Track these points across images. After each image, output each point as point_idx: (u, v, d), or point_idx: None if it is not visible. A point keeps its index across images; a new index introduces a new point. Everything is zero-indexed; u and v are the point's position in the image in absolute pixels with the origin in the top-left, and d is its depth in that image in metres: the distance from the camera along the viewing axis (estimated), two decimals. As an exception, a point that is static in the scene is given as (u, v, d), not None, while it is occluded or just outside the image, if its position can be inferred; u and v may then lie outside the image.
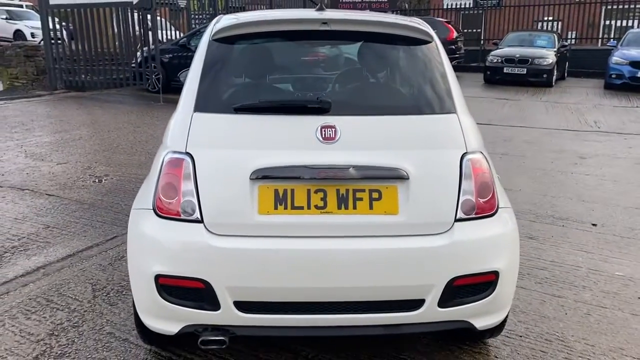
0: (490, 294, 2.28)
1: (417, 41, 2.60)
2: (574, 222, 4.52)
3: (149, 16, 11.04)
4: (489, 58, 15.18)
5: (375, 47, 2.64)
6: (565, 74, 16.41)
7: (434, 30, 2.71)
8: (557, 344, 2.77)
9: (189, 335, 2.30)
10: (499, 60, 14.84)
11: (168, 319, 2.25)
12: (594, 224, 4.48)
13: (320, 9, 2.65)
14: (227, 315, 2.18)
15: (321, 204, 2.19)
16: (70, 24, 12.03)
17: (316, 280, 2.15)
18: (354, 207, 2.20)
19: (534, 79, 14.33)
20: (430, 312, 2.23)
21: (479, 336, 2.66)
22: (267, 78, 2.63)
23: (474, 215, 2.28)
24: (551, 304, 3.18)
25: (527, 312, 3.08)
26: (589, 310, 3.12)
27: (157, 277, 2.18)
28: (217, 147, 2.28)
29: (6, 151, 6.55)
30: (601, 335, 2.87)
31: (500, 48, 15.69)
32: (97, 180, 5.46)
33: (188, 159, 2.25)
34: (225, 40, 2.53)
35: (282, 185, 2.20)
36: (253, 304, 2.18)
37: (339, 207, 2.20)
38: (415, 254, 2.19)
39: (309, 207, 2.19)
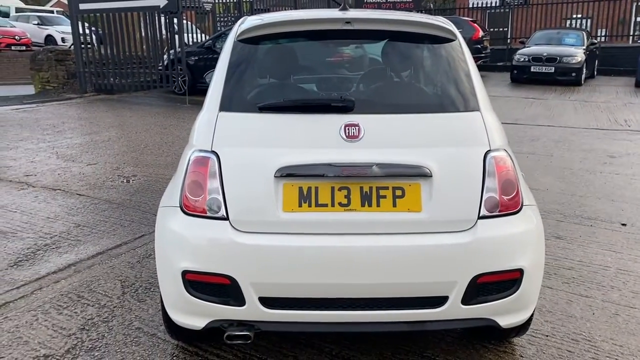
0: (515, 291, 2.27)
1: (440, 40, 2.60)
2: (603, 222, 4.44)
3: (175, 19, 11.21)
4: (516, 57, 14.99)
5: (399, 46, 2.65)
6: (595, 72, 16.13)
7: (459, 29, 2.71)
8: (584, 344, 2.74)
9: (215, 331, 2.34)
10: (526, 59, 14.65)
11: (195, 314, 2.29)
12: (623, 224, 4.40)
13: (344, 8, 2.67)
14: (252, 310, 2.21)
15: (345, 201, 2.22)
16: (99, 29, 12.28)
17: (340, 277, 2.17)
18: (378, 205, 2.22)
19: (562, 77, 14.12)
20: (454, 309, 2.23)
21: (504, 335, 2.64)
22: (291, 77, 2.66)
23: (497, 213, 2.27)
24: (578, 303, 3.14)
25: (554, 311, 3.05)
26: (617, 310, 3.08)
27: (184, 273, 2.23)
28: (242, 145, 2.32)
29: (39, 152, 6.73)
30: (630, 336, 2.82)
31: (528, 47, 15.49)
32: (125, 181, 5.58)
33: (214, 158, 2.29)
34: (249, 40, 2.58)
35: (306, 183, 2.23)
36: (278, 300, 2.21)
37: (363, 205, 2.21)
38: (438, 251, 2.19)
39: (332, 205, 2.21)
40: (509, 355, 2.65)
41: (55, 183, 5.46)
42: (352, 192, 2.22)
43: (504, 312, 2.31)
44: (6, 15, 27.63)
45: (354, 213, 2.21)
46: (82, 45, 11.92)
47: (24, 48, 21.74)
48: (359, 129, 2.29)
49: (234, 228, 2.21)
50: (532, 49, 15.00)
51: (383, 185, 2.23)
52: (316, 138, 2.30)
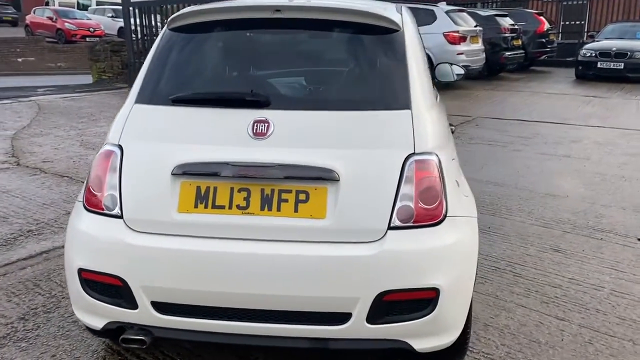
0: (430, 312, 2.03)
1: (379, 30, 2.37)
2: (616, 236, 3.99)
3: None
4: (582, 52, 13.98)
5: (331, 36, 2.45)
6: (676, 69, 14.79)
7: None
8: (536, 375, 2.44)
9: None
10: (593, 54, 13.62)
11: (93, 313, 2.21)
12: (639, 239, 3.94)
13: None
14: (145, 315, 2.10)
15: (244, 204, 2.06)
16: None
17: (233, 286, 2.02)
18: (278, 209, 2.04)
19: (633, 74, 13.03)
20: (358, 328, 2.02)
21: (435, 358, 2.39)
22: (211, 69, 2.50)
23: (412, 224, 2.03)
24: (549, 327, 2.81)
25: (517, 334, 2.74)
26: (592, 337, 2.72)
27: (80, 271, 2.15)
28: (147, 139, 2.22)
29: (65, 139, 6.96)
30: (594, 369, 2.49)
31: (597, 41, 14.43)
32: (133, 170, 5.63)
33: (117, 152, 2.21)
34: (178, 29, 2.46)
35: (204, 182, 2.09)
36: (170, 306, 2.09)
37: (262, 209, 2.05)
38: (340, 263, 1.99)
39: (230, 207, 2.06)
40: (444, 381, 2.39)
41: (67, 170, 5.61)
42: (252, 194, 2.06)
43: (419, 335, 2.07)
44: (85, 8, 29.14)
45: (253, 217, 2.05)
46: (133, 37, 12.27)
47: (97, 39, 22.78)
48: (267, 126, 2.12)
49: (128, 227, 2.11)
50: (601, 44, 13.94)
51: (286, 189, 2.05)
52: (223, 134, 2.16)
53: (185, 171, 2.08)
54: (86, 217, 2.19)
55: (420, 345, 2.08)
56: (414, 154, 2.10)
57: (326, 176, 2.03)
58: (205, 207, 2.07)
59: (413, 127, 2.15)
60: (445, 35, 11.18)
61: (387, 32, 2.37)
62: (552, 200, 4.75)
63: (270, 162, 2.05)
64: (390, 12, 2.45)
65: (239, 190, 2.07)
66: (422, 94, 2.27)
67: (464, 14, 12.25)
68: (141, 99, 2.33)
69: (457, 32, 11.24)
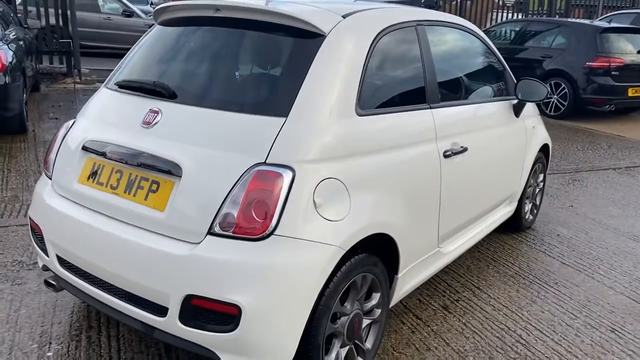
0: (232, 330, 1.93)
1: (300, 33, 2.26)
2: None
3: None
4: None
5: (254, 36, 2.40)
6: None
7: None
8: None
9: None
10: None
11: (38, 255, 2.68)
12: None
13: None
14: (53, 265, 2.47)
15: (115, 184, 2.26)
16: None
17: (92, 256, 2.23)
18: (134, 195, 2.19)
19: None
20: (173, 325, 2.04)
21: None
22: (150, 60, 2.60)
23: (230, 233, 1.95)
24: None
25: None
26: None
27: (30, 218, 2.63)
28: (87, 116, 2.59)
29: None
30: None
31: None
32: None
33: (70, 125, 2.61)
34: (160, 23, 2.75)
35: (98, 160, 2.35)
36: (66, 262, 2.41)
37: (125, 191, 2.22)
38: (160, 257, 2.04)
39: (106, 185, 2.29)
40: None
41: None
42: (123, 177, 2.25)
43: (226, 350, 1.98)
44: None
45: (117, 197, 2.24)
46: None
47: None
48: (156, 116, 2.28)
49: (53, 189, 2.50)
50: None
51: (146, 176, 2.19)
52: (126, 119, 2.40)
53: (86, 147, 2.38)
54: (41, 176, 2.66)
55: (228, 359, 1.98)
56: (262, 163, 1.99)
57: (172, 170, 2.09)
58: (93, 181, 2.33)
59: (277, 136, 2.03)
60: None
61: (306, 37, 2.24)
62: (690, 272, 3.59)
63: (134, 149, 2.20)
64: (323, 15, 2.30)
65: (116, 172, 2.27)
66: (310, 103, 2.10)
67: None
68: (107, 83, 2.69)
69: None
